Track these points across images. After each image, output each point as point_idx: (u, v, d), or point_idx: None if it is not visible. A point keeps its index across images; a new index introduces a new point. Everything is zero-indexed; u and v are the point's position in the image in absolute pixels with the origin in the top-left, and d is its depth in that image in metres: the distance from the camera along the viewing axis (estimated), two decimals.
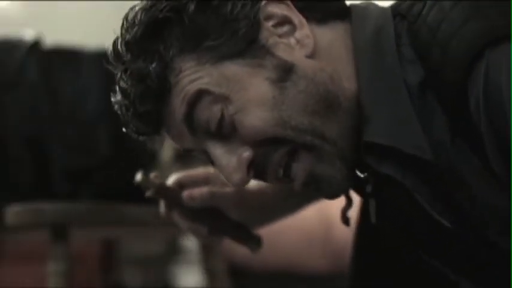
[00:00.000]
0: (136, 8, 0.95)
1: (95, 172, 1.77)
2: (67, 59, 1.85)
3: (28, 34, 1.90)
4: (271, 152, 0.94)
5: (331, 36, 0.96)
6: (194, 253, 3.03)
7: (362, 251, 1.14)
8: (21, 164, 1.76)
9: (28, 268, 2.65)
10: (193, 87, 0.92)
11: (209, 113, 0.92)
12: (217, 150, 0.94)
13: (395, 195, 0.98)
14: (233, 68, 0.92)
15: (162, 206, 1.16)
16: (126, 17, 0.95)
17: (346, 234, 1.17)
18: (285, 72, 0.92)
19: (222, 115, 0.92)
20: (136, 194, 1.77)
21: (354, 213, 1.13)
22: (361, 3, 1.00)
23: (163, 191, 1.12)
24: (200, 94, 0.92)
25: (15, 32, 1.95)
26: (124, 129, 0.98)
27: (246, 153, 0.93)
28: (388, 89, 0.93)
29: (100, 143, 1.76)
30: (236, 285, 2.79)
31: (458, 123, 0.90)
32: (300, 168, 0.94)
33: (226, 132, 0.93)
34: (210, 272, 1.92)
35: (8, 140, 1.76)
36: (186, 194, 1.11)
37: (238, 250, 3.16)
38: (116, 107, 0.97)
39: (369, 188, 1.00)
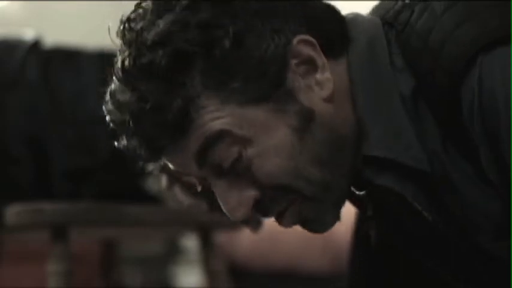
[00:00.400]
0: (154, 23, 0.88)
1: (95, 172, 1.77)
2: (67, 59, 1.85)
3: (28, 34, 1.90)
4: (277, 197, 0.93)
5: (341, 71, 0.94)
6: (194, 253, 3.03)
7: (360, 254, 1.14)
8: (21, 164, 1.76)
9: (28, 268, 2.65)
10: (215, 126, 0.89)
11: (226, 153, 0.90)
12: (223, 186, 0.93)
13: (393, 206, 0.97)
14: (257, 112, 0.90)
15: (164, 181, 1.16)
16: (137, 32, 0.89)
17: (346, 234, 1.17)
18: (306, 120, 0.91)
19: (239, 157, 0.90)
20: (136, 194, 1.78)
21: (351, 212, 1.13)
22: (348, 15, 0.98)
23: (165, 166, 1.12)
24: (221, 134, 0.89)
25: (15, 32, 1.95)
26: (116, 143, 0.94)
27: (253, 194, 0.92)
28: (383, 101, 0.92)
29: (100, 143, 1.76)
30: (236, 285, 2.79)
31: (450, 131, 0.90)
32: (294, 214, 0.95)
33: (237, 171, 0.91)
34: (210, 272, 1.92)
35: (8, 140, 1.76)
36: None
37: (238, 250, 3.16)
38: (109, 118, 0.92)
39: (369, 211, 1.00)
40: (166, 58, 0.87)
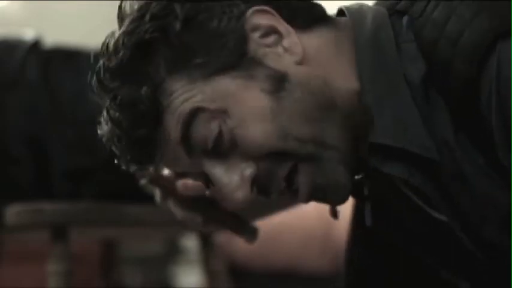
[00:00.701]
0: (116, 34, 0.93)
1: (95, 172, 1.77)
2: (67, 59, 1.85)
3: (28, 34, 1.90)
4: (274, 166, 0.92)
5: (318, 41, 0.95)
6: (194, 253, 3.04)
7: (357, 254, 1.14)
8: (21, 164, 1.76)
9: (28, 268, 2.65)
10: (187, 107, 0.90)
11: (206, 130, 0.91)
12: (217, 169, 0.93)
13: (392, 197, 0.97)
14: (226, 82, 0.90)
15: (157, 195, 1.16)
16: (106, 44, 0.94)
17: (345, 235, 1.17)
18: (278, 81, 0.91)
19: (220, 131, 0.90)
20: (136, 194, 1.78)
21: (347, 211, 1.13)
22: (354, 4, 0.99)
23: (158, 179, 1.12)
24: (195, 112, 0.90)
25: (15, 32, 1.95)
26: (116, 161, 0.96)
27: (249, 170, 0.92)
28: (390, 89, 0.92)
29: (100, 142, 1.76)
30: (236, 285, 2.79)
31: (464, 119, 0.90)
32: (303, 181, 0.93)
33: (224, 148, 0.91)
34: (210, 272, 1.92)
35: (8, 140, 1.76)
36: (181, 183, 1.10)
37: (238, 250, 3.16)
38: (105, 139, 0.95)
39: (365, 190, 0.99)
40: (128, 53, 0.91)
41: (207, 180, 0.96)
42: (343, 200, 0.97)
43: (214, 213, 1.13)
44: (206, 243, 1.90)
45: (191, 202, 1.12)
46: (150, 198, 1.64)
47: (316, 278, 2.92)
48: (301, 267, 2.98)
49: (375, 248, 1.09)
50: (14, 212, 1.62)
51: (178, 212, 1.13)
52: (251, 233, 1.15)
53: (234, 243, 2.94)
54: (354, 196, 1.04)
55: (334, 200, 0.98)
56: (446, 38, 0.89)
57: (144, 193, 1.23)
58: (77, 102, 1.78)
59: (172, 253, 3.41)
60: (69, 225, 1.64)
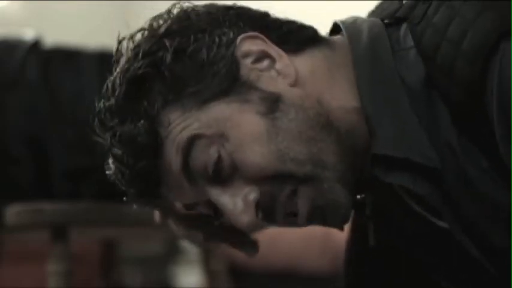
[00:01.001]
0: (115, 73, 0.95)
1: (95, 172, 1.77)
2: (67, 59, 1.85)
3: (28, 34, 1.90)
4: (276, 190, 0.92)
5: (311, 63, 0.95)
6: (194, 253, 3.04)
7: (358, 253, 1.14)
8: (21, 164, 1.76)
9: (28, 268, 2.65)
10: (184, 135, 0.91)
11: (205, 156, 0.91)
12: (221, 196, 0.93)
13: (393, 206, 0.97)
14: (220, 108, 0.91)
15: (156, 214, 1.15)
16: (106, 85, 0.95)
17: (345, 235, 1.17)
18: (273, 103, 0.91)
19: (219, 156, 0.91)
20: None
21: None
22: (348, 18, 0.99)
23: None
24: (193, 140, 0.91)
25: (15, 32, 1.95)
26: (125, 199, 0.98)
27: (253, 195, 0.92)
28: (387, 99, 0.92)
29: (100, 142, 1.76)
30: (236, 285, 2.79)
31: (467, 122, 0.89)
32: (302, 204, 0.93)
33: (225, 174, 0.92)
34: (210, 272, 1.92)
35: (8, 140, 1.76)
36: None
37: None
38: (113, 177, 0.96)
39: (368, 210, 0.99)
40: (124, 90, 0.93)
41: (216, 208, 0.96)
42: (343, 222, 0.97)
43: (214, 229, 1.13)
44: None
45: (191, 219, 1.12)
46: None
47: (316, 278, 2.92)
48: (301, 267, 2.98)
49: (375, 249, 1.09)
50: (14, 212, 1.62)
51: (178, 230, 1.13)
52: (252, 247, 1.15)
53: None
54: (356, 215, 1.04)
55: (334, 221, 0.97)
56: (448, 41, 0.88)
57: None
58: (77, 102, 1.78)
59: (172, 253, 3.41)
60: (69, 225, 1.64)
